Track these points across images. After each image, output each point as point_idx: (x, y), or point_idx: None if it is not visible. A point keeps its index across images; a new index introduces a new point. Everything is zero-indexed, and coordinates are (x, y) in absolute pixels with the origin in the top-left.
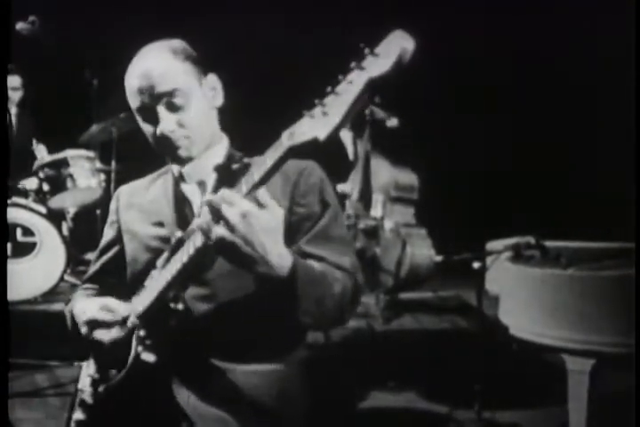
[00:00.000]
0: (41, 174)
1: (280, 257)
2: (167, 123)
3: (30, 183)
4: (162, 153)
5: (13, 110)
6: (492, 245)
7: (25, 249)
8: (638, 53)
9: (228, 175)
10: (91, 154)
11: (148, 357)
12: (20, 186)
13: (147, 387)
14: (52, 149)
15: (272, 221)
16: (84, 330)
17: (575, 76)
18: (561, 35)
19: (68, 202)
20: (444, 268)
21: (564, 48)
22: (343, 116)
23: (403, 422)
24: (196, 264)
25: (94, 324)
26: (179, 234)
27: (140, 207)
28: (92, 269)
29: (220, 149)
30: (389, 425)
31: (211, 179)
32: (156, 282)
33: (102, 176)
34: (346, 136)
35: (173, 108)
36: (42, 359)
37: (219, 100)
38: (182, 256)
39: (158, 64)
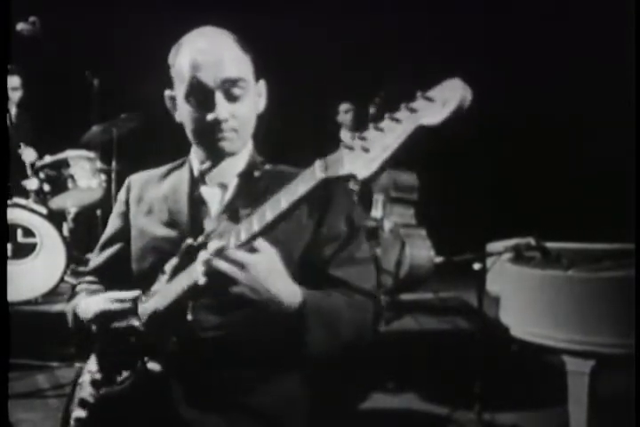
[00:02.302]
0: (41, 175)
1: (291, 294)
2: (223, 111)
3: (31, 184)
4: (199, 141)
5: (13, 111)
6: (493, 246)
7: (25, 250)
8: (638, 54)
9: (249, 181)
10: (91, 154)
11: (154, 366)
12: (20, 186)
13: (150, 395)
14: (52, 150)
15: (270, 264)
16: (95, 326)
17: (575, 77)
18: (561, 36)
19: (69, 202)
20: (445, 269)
21: (564, 49)
22: (387, 159)
23: (403, 423)
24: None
25: (105, 315)
26: (189, 241)
27: (151, 203)
28: (96, 261)
29: (245, 152)
30: (389, 426)
31: (232, 183)
32: (166, 292)
33: (103, 176)
34: (346, 136)
35: (231, 97)
36: (42, 360)
37: (262, 106)
38: (193, 274)
39: (226, 48)
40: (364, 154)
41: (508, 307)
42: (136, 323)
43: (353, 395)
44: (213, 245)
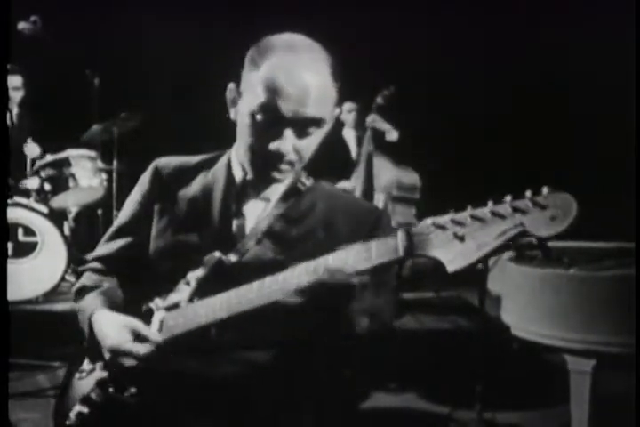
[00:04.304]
0: (42, 174)
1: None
2: (287, 145)
3: (32, 183)
4: (250, 160)
5: (15, 110)
6: None
7: (26, 249)
8: (638, 54)
9: (292, 198)
10: (92, 153)
11: (168, 382)
12: (21, 186)
13: (159, 409)
14: (53, 149)
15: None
16: (107, 356)
17: (576, 77)
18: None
19: (70, 202)
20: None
21: (566, 49)
22: (482, 257)
23: (404, 422)
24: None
25: (119, 352)
26: (218, 254)
27: (178, 201)
28: (107, 248)
29: None
30: (390, 426)
31: (274, 198)
32: (192, 314)
33: (104, 176)
34: (349, 135)
35: (301, 133)
36: (43, 360)
37: (326, 129)
38: (245, 303)
39: (318, 78)
40: (456, 242)
41: (509, 306)
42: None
43: (354, 394)
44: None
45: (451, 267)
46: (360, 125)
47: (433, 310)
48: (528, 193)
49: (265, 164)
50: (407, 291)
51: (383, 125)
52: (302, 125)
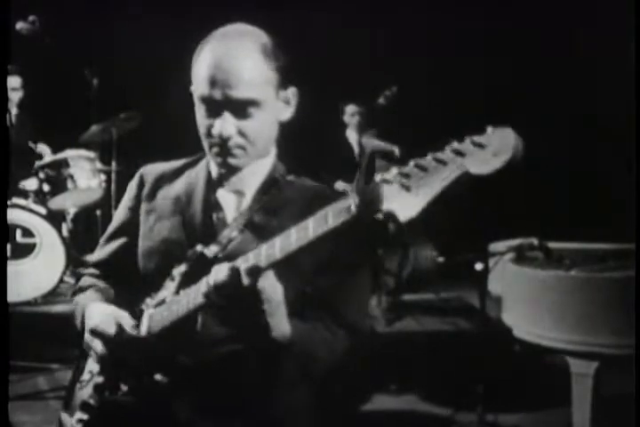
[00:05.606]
0: (41, 175)
1: (281, 331)
2: (228, 127)
3: (30, 184)
4: (208, 150)
5: (13, 111)
6: (495, 246)
7: (25, 250)
8: (638, 56)
9: (269, 191)
10: (91, 154)
11: (160, 378)
12: (20, 187)
13: (156, 407)
14: (52, 150)
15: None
16: (85, 336)
17: (576, 77)
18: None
19: (68, 203)
20: (447, 269)
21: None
22: (430, 202)
23: (405, 424)
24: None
25: (94, 332)
26: (200, 248)
27: (163, 202)
28: (102, 253)
29: (267, 160)
30: None
31: (251, 190)
32: (176, 305)
33: (103, 177)
34: (352, 137)
35: (240, 115)
36: (42, 362)
37: (287, 114)
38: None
39: (245, 65)
40: (403, 192)
41: (511, 307)
42: (115, 351)
43: (355, 396)
44: (243, 264)
45: (402, 217)
46: (363, 127)
47: (434, 311)
48: (473, 137)
49: (215, 149)
50: (410, 293)
51: (383, 146)
52: (237, 107)
